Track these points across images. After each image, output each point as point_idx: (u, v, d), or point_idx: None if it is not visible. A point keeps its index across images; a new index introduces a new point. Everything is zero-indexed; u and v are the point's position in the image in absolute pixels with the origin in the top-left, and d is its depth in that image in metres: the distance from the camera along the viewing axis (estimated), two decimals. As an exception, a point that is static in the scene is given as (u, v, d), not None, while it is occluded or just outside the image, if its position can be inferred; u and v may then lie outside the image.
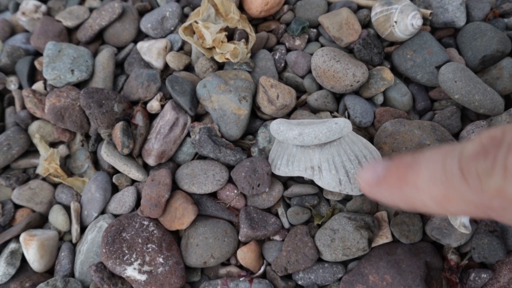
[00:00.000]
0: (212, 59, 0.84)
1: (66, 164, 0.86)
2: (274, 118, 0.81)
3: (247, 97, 0.79)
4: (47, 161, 0.83)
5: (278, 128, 0.70)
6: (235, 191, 0.76)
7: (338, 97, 0.83)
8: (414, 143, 0.73)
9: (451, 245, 0.69)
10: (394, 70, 0.83)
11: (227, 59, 0.80)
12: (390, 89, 0.80)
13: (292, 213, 0.74)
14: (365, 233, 0.69)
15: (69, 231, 0.82)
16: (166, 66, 0.88)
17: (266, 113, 0.80)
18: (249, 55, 0.82)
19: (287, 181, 0.78)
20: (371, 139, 0.79)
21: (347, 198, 0.76)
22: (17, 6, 1.04)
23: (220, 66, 0.86)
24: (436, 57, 0.79)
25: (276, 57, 0.86)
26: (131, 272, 0.71)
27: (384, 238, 0.72)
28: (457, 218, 0.67)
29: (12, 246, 0.77)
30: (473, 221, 0.70)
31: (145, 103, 0.85)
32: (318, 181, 0.71)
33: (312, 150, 0.70)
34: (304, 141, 0.67)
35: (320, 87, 0.83)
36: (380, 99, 0.80)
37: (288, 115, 0.81)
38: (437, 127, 0.75)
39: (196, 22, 0.82)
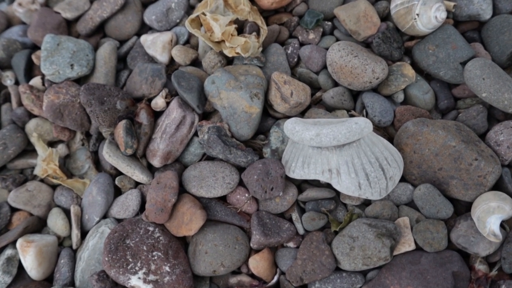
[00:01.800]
0: (221, 53, 0.79)
1: (65, 164, 0.82)
2: (288, 117, 0.76)
3: (259, 94, 0.74)
4: (45, 162, 0.78)
5: (293, 128, 0.65)
6: (246, 195, 0.72)
7: (355, 95, 0.78)
8: (438, 145, 0.68)
9: (479, 255, 0.65)
10: (414, 66, 0.78)
11: (237, 53, 0.75)
12: (410, 86, 0.75)
13: (308, 218, 0.70)
14: (387, 241, 0.65)
15: (69, 236, 0.77)
16: (171, 60, 0.83)
17: (279, 111, 0.75)
18: (260, 49, 0.77)
19: (301, 184, 0.73)
20: (390, 140, 0.75)
21: (365, 203, 0.72)
22: (13, -3, 0.99)
23: (229, 61, 0.81)
24: (461, 52, 0.74)
25: (289, 51, 0.81)
26: (136, 281, 0.67)
27: (406, 246, 0.67)
28: (486, 226, 0.62)
29: (8, 252, 0.73)
30: (503, 229, 0.66)
31: (150, 100, 0.80)
32: (337, 185, 0.66)
33: (330, 151, 0.66)
34: (322, 142, 0.62)
35: (336, 84, 0.78)
36: (400, 97, 0.75)
37: (302, 114, 0.77)
38: (462, 127, 0.71)
39: (203, 14, 0.77)
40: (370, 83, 0.73)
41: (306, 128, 0.64)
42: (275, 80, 0.74)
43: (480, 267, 0.65)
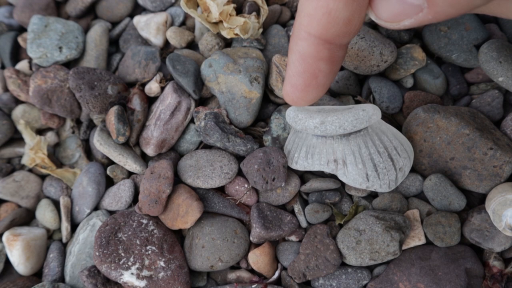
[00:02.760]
0: (219, 35, 0.74)
1: (55, 153, 0.77)
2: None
3: (259, 78, 0.69)
4: (33, 150, 0.74)
5: (296, 115, 0.61)
6: (246, 186, 0.68)
7: (361, 79, 0.74)
8: (450, 132, 0.64)
9: (493, 250, 0.61)
10: (424, 48, 0.74)
11: (236, 34, 0.71)
12: (420, 71, 0.71)
13: (311, 211, 0.65)
14: (396, 234, 0.61)
15: (59, 229, 0.73)
16: (166, 43, 0.78)
17: (280, 96, 0.71)
18: (260, 30, 0.72)
19: (304, 174, 0.69)
20: (398, 128, 0.70)
21: (372, 194, 0.68)
22: (-1, -24, 0.94)
23: (228, 43, 0.77)
24: (475, 34, 0.69)
25: (291, 33, 0.76)
26: (129, 277, 0.63)
27: (416, 240, 0.63)
28: (502, 219, 0.58)
29: (-6, 246, 0.69)
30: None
31: (143, 84, 0.75)
32: (343, 177, 0.62)
33: (335, 141, 0.61)
34: (327, 130, 0.58)
35: (341, 68, 0.73)
36: (409, 81, 0.71)
37: (304, 99, 0.72)
38: (477, 114, 0.66)
39: (200, -8, 0.72)
40: (378, 67, 0.68)
41: (310, 116, 0.59)
42: (276, 63, 0.70)
43: (495, 263, 0.61)
